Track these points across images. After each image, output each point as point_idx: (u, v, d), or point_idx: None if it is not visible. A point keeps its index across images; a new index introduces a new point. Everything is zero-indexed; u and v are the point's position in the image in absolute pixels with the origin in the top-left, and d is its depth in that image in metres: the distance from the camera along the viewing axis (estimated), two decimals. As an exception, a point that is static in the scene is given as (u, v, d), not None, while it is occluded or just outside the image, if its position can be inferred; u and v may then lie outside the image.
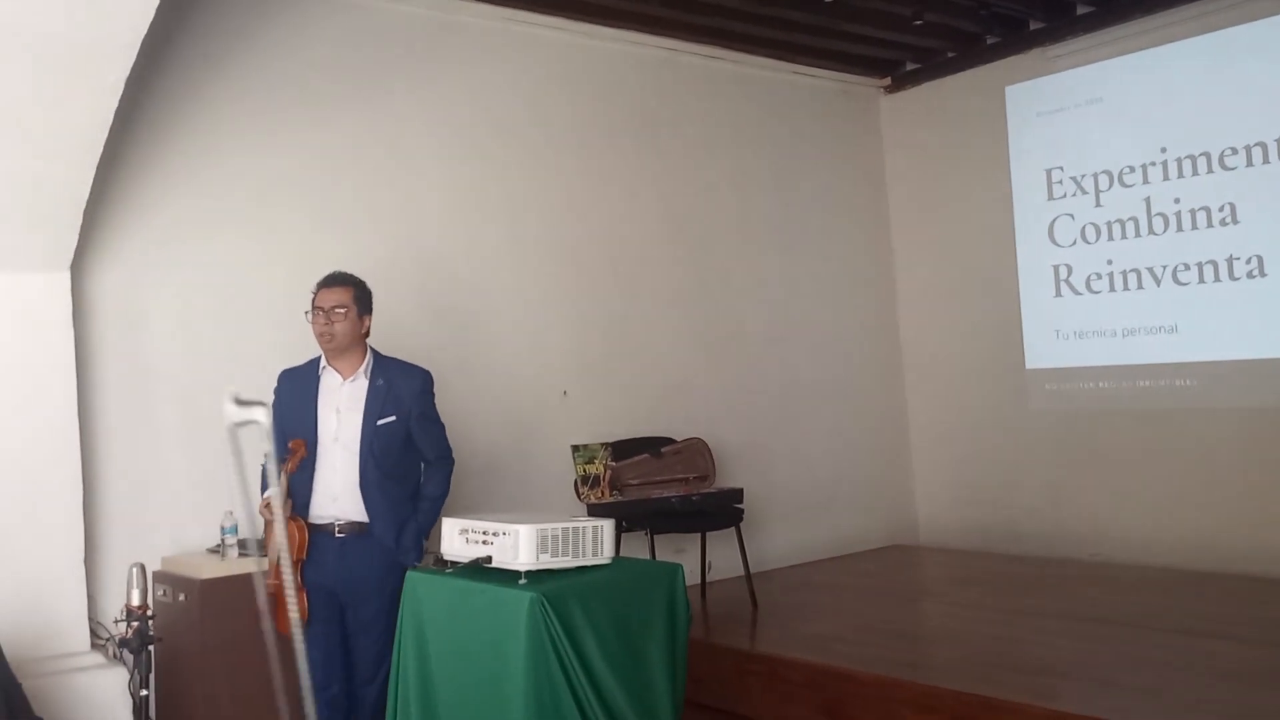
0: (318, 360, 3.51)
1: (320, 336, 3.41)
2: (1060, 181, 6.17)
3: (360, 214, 4.76)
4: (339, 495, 3.38)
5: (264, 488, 3.37)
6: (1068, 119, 6.13)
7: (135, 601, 3.05)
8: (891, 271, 6.94)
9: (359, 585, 3.33)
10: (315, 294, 3.45)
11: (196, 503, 4.13)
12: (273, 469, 3.20)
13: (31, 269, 3.76)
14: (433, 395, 3.53)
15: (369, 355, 3.49)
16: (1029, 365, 6.27)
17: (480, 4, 5.17)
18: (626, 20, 5.62)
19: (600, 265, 5.57)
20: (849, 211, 6.76)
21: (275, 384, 3.55)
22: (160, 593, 3.88)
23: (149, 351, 4.19)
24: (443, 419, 3.58)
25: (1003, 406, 6.37)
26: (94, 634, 3.89)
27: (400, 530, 3.37)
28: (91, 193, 3.67)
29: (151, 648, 3.00)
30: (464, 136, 5.15)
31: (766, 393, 6.16)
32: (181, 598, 3.79)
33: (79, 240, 3.80)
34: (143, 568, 3.11)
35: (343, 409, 3.41)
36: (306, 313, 3.45)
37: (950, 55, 6.59)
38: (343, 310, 3.39)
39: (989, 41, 6.40)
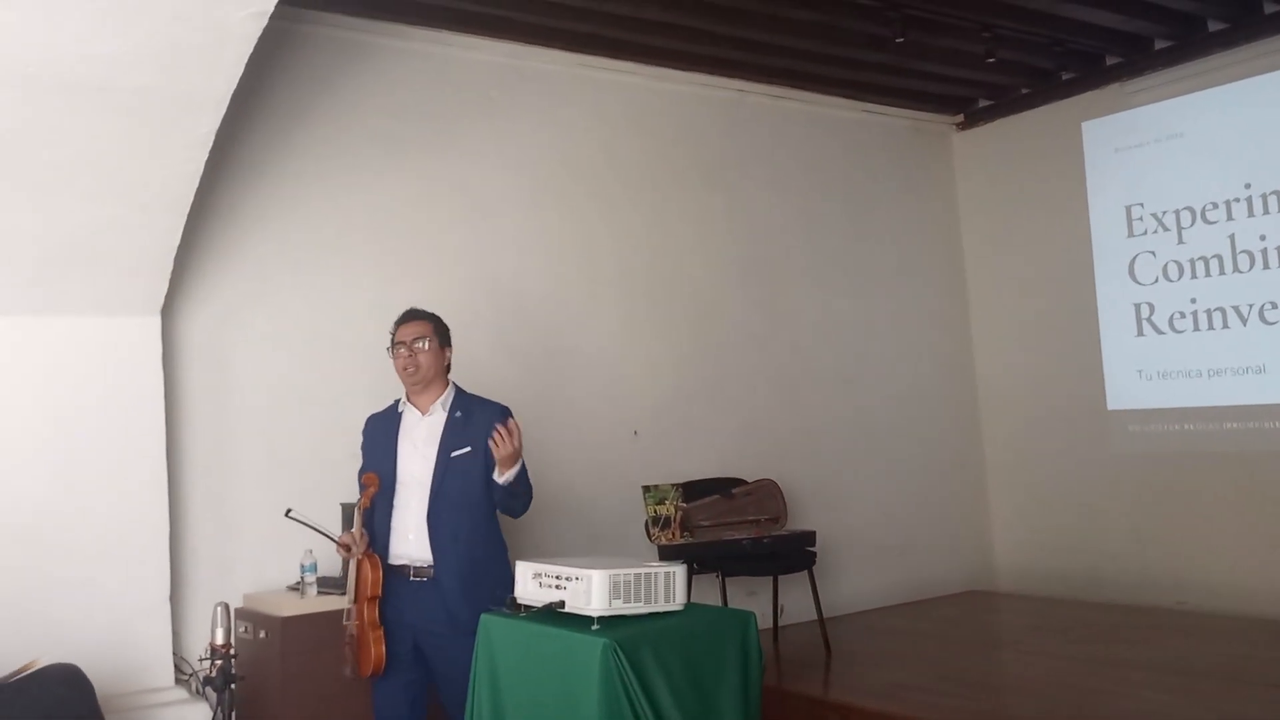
0: (399, 400, 3.54)
1: (404, 371, 3.42)
2: (1140, 218, 6.04)
3: (438, 257, 4.84)
4: (413, 535, 3.35)
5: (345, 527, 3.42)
6: (1147, 155, 6.01)
7: (220, 640, 3.12)
8: (966, 311, 6.85)
9: (436, 629, 3.30)
10: (395, 331, 3.49)
11: (277, 541, 4.13)
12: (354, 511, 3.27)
13: (126, 312, 3.89)
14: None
15: (450, 389, 3.49)
16: (1110, 406, 6.11)
17: (554, 50, 5.26)
18: (697, 63, 5.66)
19: (672, 305, 5.59)
20: (922, 250, 6.69)
21: (363, 428, 3.59)
22: (242, 629, 3.94)
23: (233, 392, 4.30)
24: (529, 457, 3.59)
25: (1083, 449, 6.21)
26: (178, 669, 3.97)
27: (467, 580, 3.26)
28: (182, 239, 3.80)
29: (234, 685, 3.06)
30: (538, 180, 5.22)
31: (839, 433, 6.09)
32: (263, 634, 3.85)
33: (169, 285, 3.92)
34: (227, 607, 3.18)
35: (419, 443, 3.41)
36: (388, 349, 3.48)
37: (1025, 92, 6.52)
38: (424, 341, 3.42)
39: (1064, 78, 6.32)
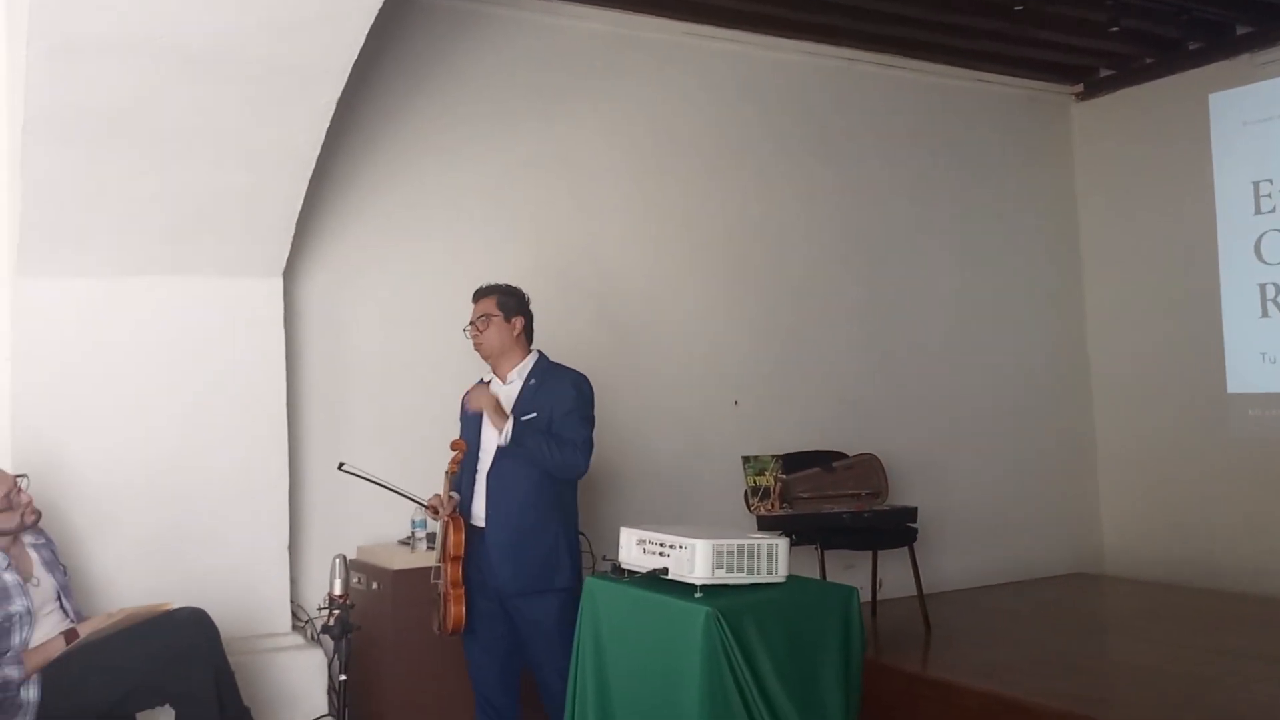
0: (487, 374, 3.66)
1: (475, 347, 3.57)
2: (1269, 195, 5.74)
3: (541, 225, 4.88)
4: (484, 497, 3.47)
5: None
6: (1278, 129, 5.70)
7: (338, 591, 3.24)
8: (1080, 287, 6.61)
9: (513, 589, 3.37)
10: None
11: (389, 497, 4.25)
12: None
13: (250, 274, 4.02)
14: (586, 397, 3.49)
15: (530, 359, 3.56)
16: (1231, 389, 5.85)
17: (662, 19, 5.22)
18: (806, 31, 5.56)
19: (775, 276, 5.55)
20: (1035, 223, 6.49)
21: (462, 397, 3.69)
22: (355, 580, 4.08)
23: (348, 354, 4.42)
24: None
25: (1200, 432, 5.97)
26: (294, 616, 4.14)
27: (508, 545, 3.33)
28: (304, 205, 3.90)
29: (350, 635, 3.17)
30: (642, 149, 5.21)
31: (943, 409, 5.98)
32: (375, 586, 3.99)
33: (291, 249, 4.05)
34: (344, 559, 3.30)
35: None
36: (465, 328, 3.60)
37: (1148, 61, 6.23)
38: (485, 319, 3.52)
39: (1191, 47, 6.02)
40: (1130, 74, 6.33)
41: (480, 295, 3.60)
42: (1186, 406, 6.04)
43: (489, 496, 3.41)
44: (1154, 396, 6.22)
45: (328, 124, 3.60)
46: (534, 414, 3.40)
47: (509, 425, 3.35)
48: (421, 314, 4.56)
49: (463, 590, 3.36)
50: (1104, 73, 6.45)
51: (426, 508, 3.49)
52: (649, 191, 5.22)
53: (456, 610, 3.34)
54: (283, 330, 4.11)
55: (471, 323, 3.56)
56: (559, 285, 4.71)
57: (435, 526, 4.07)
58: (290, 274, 4.21)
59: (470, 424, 3.56)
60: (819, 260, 5.69)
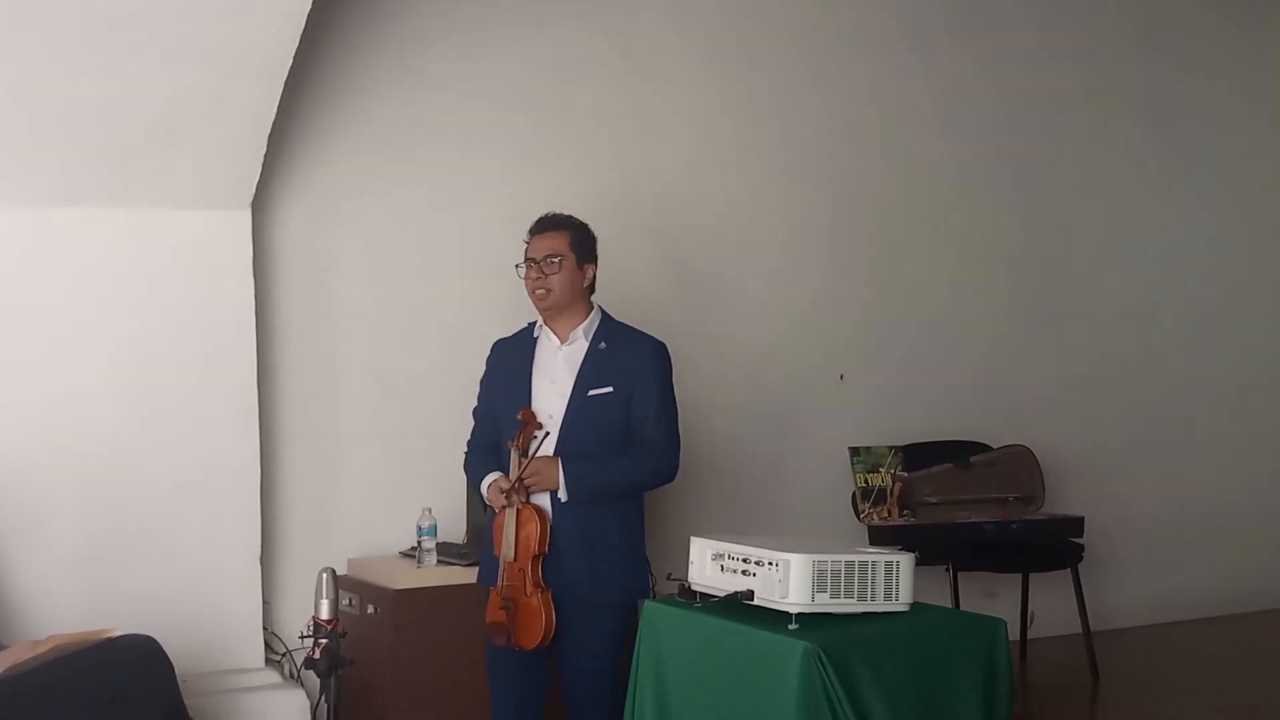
0: (534, 324, 3.67)
1: (533, 293, 3.57)
2: None
3: (589, 142, 4.89)
4: None
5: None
6: None
7: (325, 614, 3.25)
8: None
9: (593, 599, 3.47)
10: (528, 243, 3.63)
11: (388, 494, 4.40)
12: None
13: (210, 205, 4.02)
14: (669, 372, 3.61)
15: (595, 314, 3.64)
16: None
17: None
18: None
19: (898, 210, 5.53)
20: (1261, 136, 6.34)
21: (489, 355, 3.76)
22: (346, 602, 3.97)
23: (338, 308, 4.46)
24: (684, 407, 3.66)
25: None
26: (269, 647, 4.18)
27: (585, 545, 3.45)
28: (277, 118, 3.88)
29: (341, 671, 3.20)
30: (723, 42, 5.17)
31: (1120, 388, 5.95)
32: (371, 610, 4.02)
33: (261, 172, 4.03)
34: (332, 574, 3.31)
35: (557, 377, 3.57)
36: (518, 266, 3.62)
37: None
38: (557, 260, 3.54)
39: None
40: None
41: (547, 228, 3.62)
42: None
43: (554, 494, 3.50)
44: None
45: (308, 8, 3.59)
46: (609, 389, 3.52)
47: (559, 473, 3.43)
48: (431, 256, 4.59)
49: (550, 593, 3.44)
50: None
51: (489, 491, 3.54)
52: (730, 98, 5.18)
53: (548, 616, 3.41)
54: (251, 278, 4.12)
55: (534, 260, 3.57)
56: (611, 221, 4.52)
57: (450, 534, 4.15)
58: (261, 206, 4.22)
59: (513, 391, 3.60)
60: (960, 189, 5.65)
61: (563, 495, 3.45)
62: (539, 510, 3.45)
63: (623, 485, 3.53)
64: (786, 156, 5.29)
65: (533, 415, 3.49)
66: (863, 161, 5.45)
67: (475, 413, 3.76)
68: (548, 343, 3.62)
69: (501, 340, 3.76)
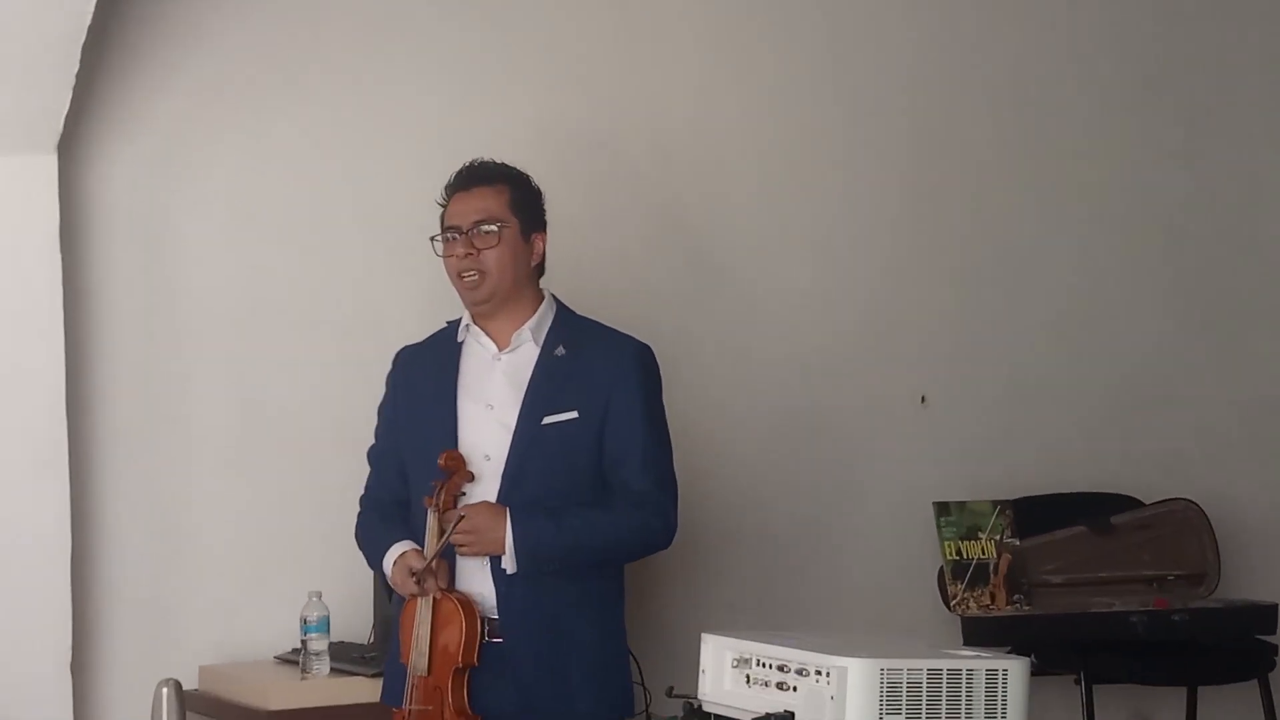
0: (457, 323, 3.68)
1: (459, 277, 3.57)
2: None
3: (547, 60, 4.90)
4: (482, 562, 3.55)
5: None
6: None
7: (166, 748, 3.26)
8: None
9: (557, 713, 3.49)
10: (445, 205, 3.66)
11: (262, 573, 4.41)
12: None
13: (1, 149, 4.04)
14: (658, 388, 3.65)
15: (545, 307, 3.66)
16: None
17: None
18: None
19: (1001, 165, 5.54)
20: None
21: (390, 371, 3.79)
22: None
23: (185, 300, 4.45)
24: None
25: None
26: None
27: (550, 645, 3.50)
28: (96, 23, 3.88)
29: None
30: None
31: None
32: (236, 742, 3.99)
33: (70, 107, 4.05)
34: (178, 687, 3.31)
35: (496, 400, 3.58)
36: (434, 238, 3.64)
37: None
38: (493, 228, 3.55)
39: None
40: None
41: (475, 181, 3.62)
42: None
43: (496, 568, 3.51)
44: None
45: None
46: (572, 414, 3.54)
47: (506, 529, 3.46)
48: (319, 224, 4.60)
49: None
50: None
51: (396, 581, 3.57)
52: (749, 13, 5.20)
53: None
54: (57, 252, 4.14)
55: (457, 230, 3.57)
56: (586, 176, 4.70)
57: (347, 630, 4.17)
58: (73, 150, 4.24)
59: (428, 419, 3.62)
60: (1096, 128, 5.67)
61: (509, 565, 3.44)
62: (465, 602, 3.44)
63: (596, 550, 3.52)
64: (845, 84, 5.33)
65: (460, 460, 3.48)
66: (956, 91, 5.50)
67: (372, 456, 3.77)
68: (479, 350, 3.64)
69: (409, 349, 3.77)
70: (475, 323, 3.63)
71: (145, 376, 4.41)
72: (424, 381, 3.67)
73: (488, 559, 3.48)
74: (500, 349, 3.60)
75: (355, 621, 4.21)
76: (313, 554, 4.32)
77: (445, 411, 3.59)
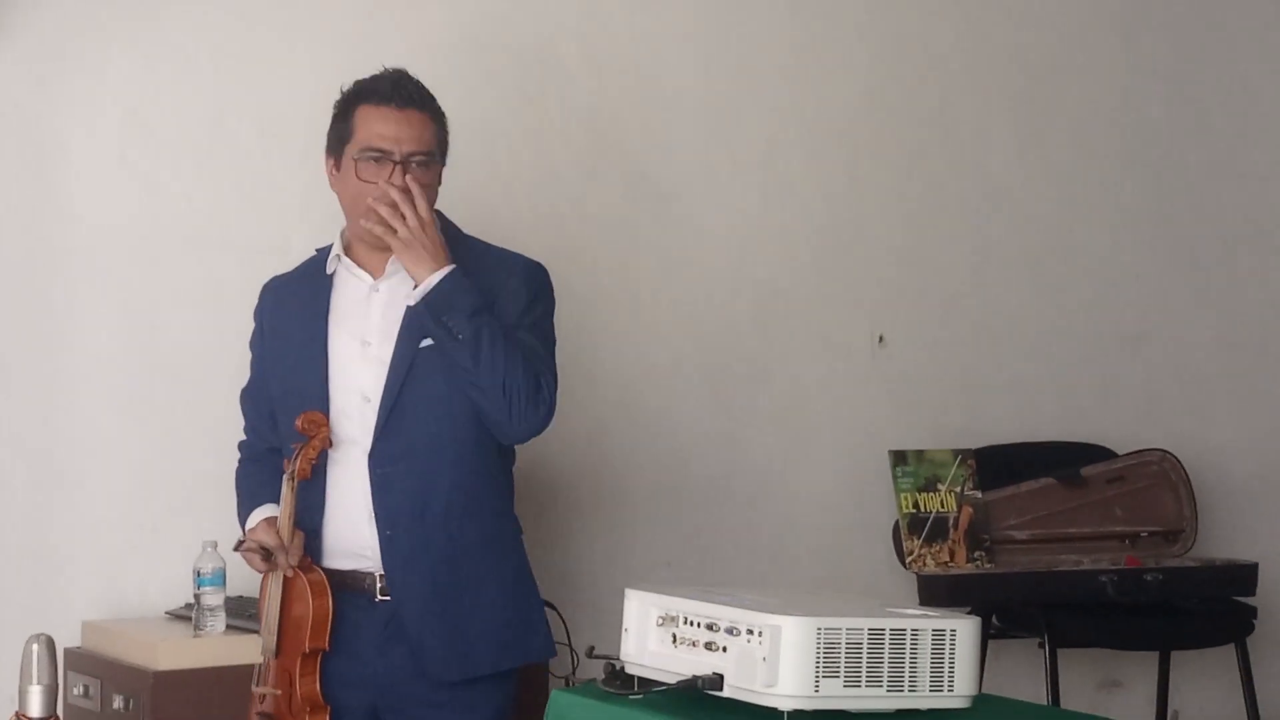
0: (325, 252, 3.65)
1: (384, 214, 3.43)
2: None
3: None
4: (363, 510, 3.53)
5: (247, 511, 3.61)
6: None
7: (36, 711, 3.15)
8: None
9: (404, 693, 3.48)
10: (353, 121, 3.56)
11: (151, 520, 4.36)
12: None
13: None
14: (548, 309, 3.64)
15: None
16: None
17: None
18: None
19: (966, 76, 5.55)
20: None
21: (256, 306, 3.77)
22: (79, 690, 4.05)
23: (69, 219, 4.40)
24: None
25: None
26: (-50, 757, 4.11)
27: (448, 599, 3.49)
28: None
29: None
30: None
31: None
32: (119, 703, 3.96)
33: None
34: (50, 645, 3.22)
35: (374, 336, 3.54)
36: (340, 156, 3.55)
37: None
38: (429, 158, 3.54)
39: None
40: None
41: (409, 103, 3.55)
42: None
43: (382, 507, 3.50)
44: None
45: None
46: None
47: (435, 276, 3.40)
48: (213, 132, 4.53)
49: (327, 715, 3.43)
50: None
51: (244, 548, 3.54)
52: None
53: None
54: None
55: (384, 154, 3.49)
56: (512, 87, 4.65)
57: (246, 584, 4.10)
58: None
59: (304, 366, 3.58)
60: (1067, 41, 5.71)
61: (422, 287, 3.38)
62: (318, 582, 3.41)
63: (495, 360, 3.39)
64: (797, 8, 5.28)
65: (320, 421, 3.44)
66: (917, 22, 5.51)
67: (243, 398, 3.73)
68: (353, 281, 3.59)
69: (277, 280, 3.74)
70: (347, 255, 3.59)
71: (25, 304, 4.37)
72: (292, 318, 3.64)
73: (370, 507, 3.45)
74: (375, 278, 3.55)
75: (253, 575, 4.02)
76: (208, 500, 4.19)
77: (316, 350, 3.55)
